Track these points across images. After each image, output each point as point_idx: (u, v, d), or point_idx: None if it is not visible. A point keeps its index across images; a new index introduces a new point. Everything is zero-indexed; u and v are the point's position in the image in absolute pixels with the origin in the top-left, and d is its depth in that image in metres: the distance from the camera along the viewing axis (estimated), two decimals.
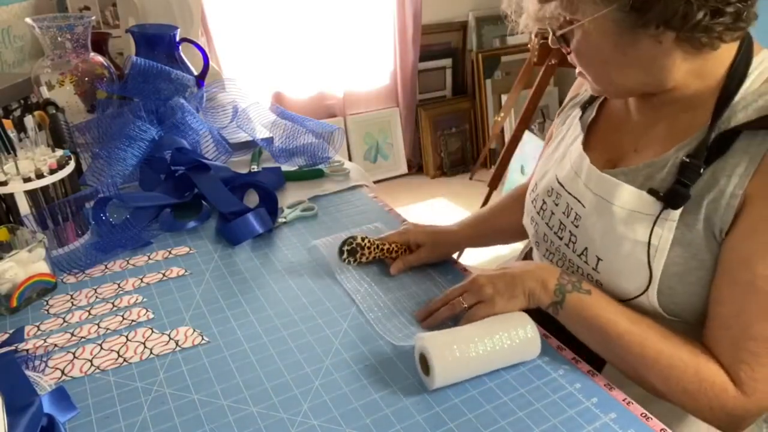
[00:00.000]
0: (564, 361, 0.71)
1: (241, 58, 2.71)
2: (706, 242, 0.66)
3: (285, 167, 1.19)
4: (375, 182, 2.79)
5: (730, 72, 0.67)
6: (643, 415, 0.64)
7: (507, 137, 3.02)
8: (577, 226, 0.77)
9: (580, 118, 0.86)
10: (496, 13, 3.45)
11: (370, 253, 0.88)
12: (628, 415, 0.64)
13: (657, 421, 0.63)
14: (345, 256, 0.87)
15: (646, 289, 0.70)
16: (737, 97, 0.66)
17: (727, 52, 0.67)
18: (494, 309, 0.72)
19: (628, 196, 0.71)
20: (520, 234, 0.97)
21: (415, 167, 3.33)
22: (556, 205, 0.82)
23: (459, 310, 0.74)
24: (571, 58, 0.73)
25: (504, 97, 3.21)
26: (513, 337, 0.69)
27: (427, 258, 0.90)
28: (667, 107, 0.73)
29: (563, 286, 0.72)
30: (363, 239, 0.88)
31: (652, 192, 0.69)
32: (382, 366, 0.70)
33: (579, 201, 0.77)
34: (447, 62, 3.32)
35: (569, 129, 0.88)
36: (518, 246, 1.10)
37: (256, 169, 1.19)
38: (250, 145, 1.26)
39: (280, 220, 1.02)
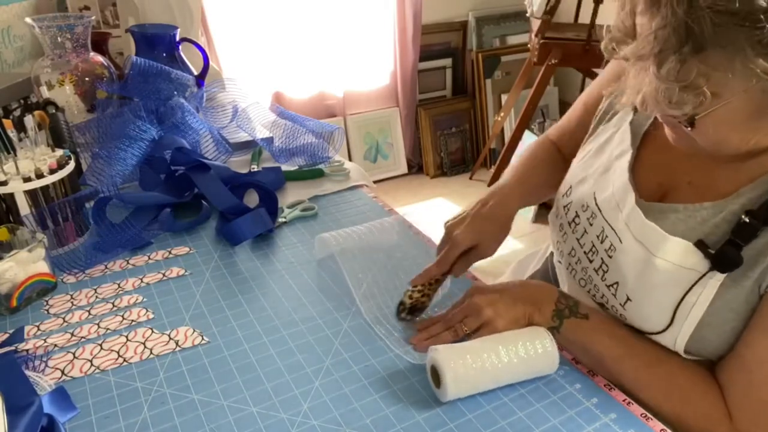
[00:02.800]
0: (564, 361, 0.71)
1: (241, 58, 2.70)
2: (748, 297, 0.63)
3: (285, 167, 1.19)
4: (375, 182, 2.79)
5: None
6: (643, 415, 0.64)
7: (507, 137, 3.02)
8: (611, 257, 0.72)
9: (631, 122, 0.77)
10: (496, 13, 3.47)
11: (428, 299, 0.79)
12: (628, 415, 0.64)
13: (657, 422, 0.63)
14: (405, 314, 0.78)
15: (662, 332, 0.67)
16: None
17: None
18: (496, 331, 0.70)
19: (672, 250, 0.66)
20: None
21: (415, 167, 3.32)
22: (591, 225, 0.76)
23: (462, 335, 0.72)
24: (676, 132, 0.63)
25: (504, 97, 3.21)
26: (529, 349, 0.66)
27: (485, 256, 0.81)
28: (740, 155, 0.65)
29: (561, 311, 0.71)
30: (412, 294, 0.78)
31: (700, 245, 0.64)
32: (383, 366, 0.70)
33: (617, 234, 0.72)
34: (447, 62, 3.31)
35: (616, 132, 0.78)
36: (519, 246, 1.10)
37: (256, 169, 1.19)
38: (250, 145, 1.26)
39: (280, 220, 1.02)
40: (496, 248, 0.83)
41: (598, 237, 0.75)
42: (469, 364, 0.64)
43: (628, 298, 0.71)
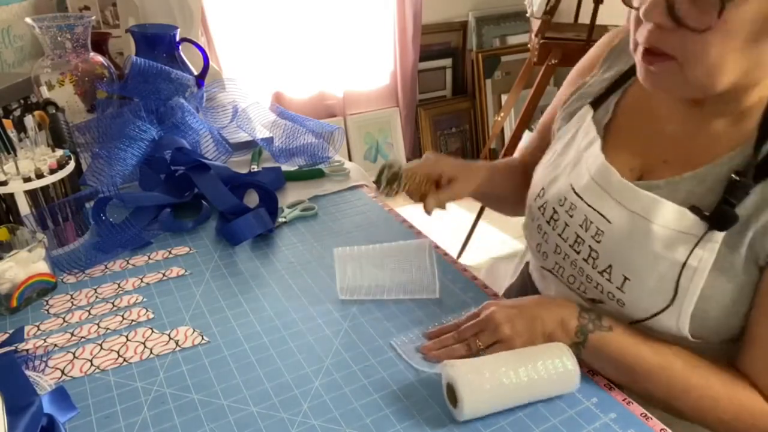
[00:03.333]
0: None
1: (241, 58, 2.70)
2: (746, 265, 0.63)
3: (285, 167, 1.19)
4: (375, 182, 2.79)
5: None
6: (643, 415, 0.64)
7: (507, 137, 3.02)
8: (599, 242, 0.72)
9: (593, 117, 0.79)
10: (496, 13, 3.47)
11: (405, 183, 0.84)
12: (628, 415, 0.64)
13: (657, 421, 0.63)
14: (384, 185, 0.84)
15: (666, 308, 0.66)
16: None
17: None
18: (512, 349, 0.68)
19: (670, 215, 0.66)
20: (513, 208, 0.95)
21: None
22: (571, 216, 0.75)
23: (476, 350, 0.70)
24: (674, 39, 0.61)
25: (504, 97, 3.21)
26: (549, 368, 0.64)
27: (461, 193, 0.86)
28: (713, 121, 0.68)
29: (584, 326, 0.69)
30: (399, 168, 0.84)
31: (695, 210, 0.65)
32: (383, 366, 0.70)
33: (603, 216, 0.72)
34: (447, 62, 3.31)
35: (579, 129, 0.80)
36: (519, 246, 1.10)
37: (256, 169, 1.19)
38: (250, 145, 1.26)
39: (280, 220, 1.02)
40: (463, 195, 0.88)
41: (581, 226, 0.74)
42: (486, 385, 0.62)
43: (625, 278, 0.69)
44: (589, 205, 0.73)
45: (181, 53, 1.36)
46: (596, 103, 0.79)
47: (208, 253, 0.93)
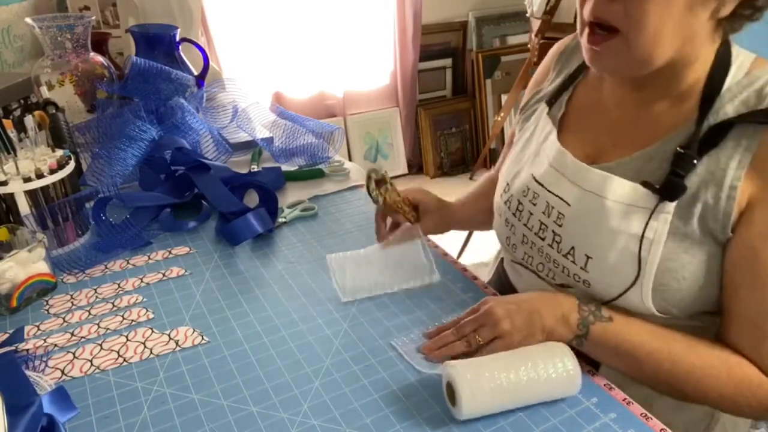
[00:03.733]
0: None
1: (241, 58, 2.71)
2: (702, 237, 0.67)
3: (285, 167, 1.19)
4: None
5: (715, 63, 0.69)
6: (643, 414, 0.64)
7: (507, 137, 3.02)
8: (560, 225, 0.75)
9: (548, 113, 0.84)
10: (496, 13, 3.47)
11: (393, 192, 0.87)
12: (628, 415, 0.64)
13: (657, 421, 0.63)
14: (373, 187, 0.86)
15: (633, 284, 0.69)
16: (723, 89, 0.68)
17: (715, 44, 0.69)
18: (512, 345, 0.69)
19: (622, 190, 0.70)
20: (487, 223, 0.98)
21: (415, 167, 3.32)
22: (534, 204, 0.79)
23: (475, 345, 0.70)
24: (614, 9, 0.66)
25: (504, 97, 3.21)
26: (549, 370, 0.63)
27: (428, 232, 0.93)
28: (655, 103, 0.73)
29: (585, 318, 0.69)
30: (384, 172, 0.86)
31: (646, 185, 0.68)
32: (383, 366, 0.70)
33: (562, 199, 0.76)
34: (447, 62, 3.31)
35: (537, 126, 0.86)
36: None
37: (256, 169, 1.19)
38: (250, 145, 1.26)
39: (280, 220, 1.02)
40: (429, 233, 0.94)
41: (544, 213, 0.78)
42: (485, 384, 0.61)
43: (588, 258, 0.72)
44: (549, 191, 0.77)
45: (181, 53, 1.36)
46: (550, 102, 0.85)
47: (208, 253, 0.94)
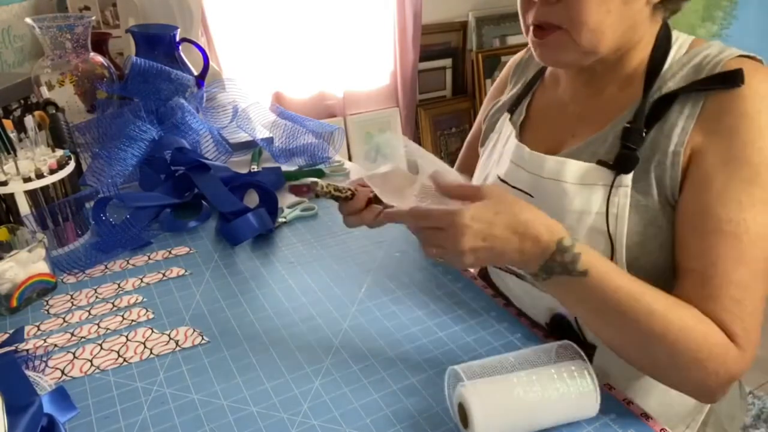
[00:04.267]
0: None
1: (241, 58, 2.70)
2: (662, 207, 0.69)
3: (285, 167, 1.19)
4: None
5: (656, 44, 0.73)
6: (643, 414, 0.64)
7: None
8: None
9: (510, 119, 0.88)
10: (496, 13, 3.46)
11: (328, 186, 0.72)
12: (628, 415, 0.64)
13: (656, 421, 0.63)
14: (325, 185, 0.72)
15: (611, 259, 0.69)
16: (665, 67, 0.72)
17: (655, 27, 0.74)
18: (462, 266, 0.65)
19: (578, 171, 0.73)
20: None
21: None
22: None
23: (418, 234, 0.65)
24: (557, 8, 0.68)
25: None
26: (570, 387, 0.59)
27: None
28: (605, 90, 0.77)
29: (550, 268, 0.62)
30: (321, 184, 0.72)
31: (601, 163, 0.71)
32: (383, 366, 0.70)
33: (525, 192, 0.78)
34: (447, 62, 3.31)
35: (500, 133, 0.89)
36: None
37: (256, 169, 1.19)
38: (250, 145, 1.26)
39: (280, 220, 1.02)
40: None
41: None
42: (501, 410, 0.58)
43: None
44: (513, 186, 0.80)
45: (181, 53, 1.36)
46: (511, 109, 0.89)
47: (208, 253, 0.93)
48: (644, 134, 0.69)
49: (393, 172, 0.73)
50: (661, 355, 0.63)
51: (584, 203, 0.72)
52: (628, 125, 0.70)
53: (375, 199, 0.73)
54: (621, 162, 0.70)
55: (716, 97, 0.67)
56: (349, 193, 0.72)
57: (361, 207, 0.73)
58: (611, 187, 0.70)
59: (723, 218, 0.63)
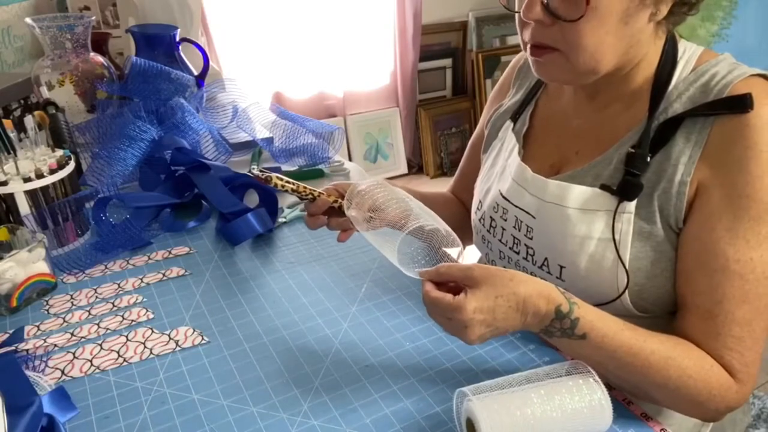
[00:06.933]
0: (562, 360, 0.71)
1: (241, 58, 2.71)
2: (665, 233, 0.68)
3: (285, 167, 1.19)
4: None
5: (662, 60, 0.71)
6: (643, 414, 0.64)
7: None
8: (531, 238, 0.76)
9: (513, 129, 0.86)
10: (496, 13, 3.47)
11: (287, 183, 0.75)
12: (628, 415, 0.64)
13: (657, 421, 0.63)
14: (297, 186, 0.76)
15: (626, 289, 0.68)
16: (670, 87, 0.69)
17: (660, 41, 0.71)
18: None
19: (581, 196, 0.71)
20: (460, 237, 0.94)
21: (415, 167, 3.33)
22: (505, 220, 0.81)
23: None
24: (554, 30, 0.66)
25: None
26: (582, 403, 0.58)
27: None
28: (609, 106, 0.75)
29: (550, 332, 0.63)
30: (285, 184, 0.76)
31: (604, 188, 0.70)
32: (383, 366, 0.70)
33: (528, 213, 0.77)
34: (447, 62, 3.32)
35: (503, 142, 0.87)
36: None
37: (256, 170, 1.18)
38: (250, 145, 1.26)
39: (280, 220, 1.02)
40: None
41: (515, 227, 0.79)
42: (510, 424, 0.56)
43: (561, 267, 0.73)
44: (515, 205, 0.79)
45: (181, 53, 1.36)
46: (514, 118, 0.87)
47: (208, 253, 0.94)
48: (649, 159, 0.67)
49: (373, 191, 0.73)
50: (662, 400, 0.66)
51: (587, 229, 0.70)
52: (632, 150, 0.69)
53: (339, 209, 0.76)
54: (624, 189, 0.68)
55: (724, 123, 0.64)
56: (310, 194, 0.75)
57: (319, 212, 0.77)
58: (615, 213, 0.69)
59: (730, 257, 0.63)
